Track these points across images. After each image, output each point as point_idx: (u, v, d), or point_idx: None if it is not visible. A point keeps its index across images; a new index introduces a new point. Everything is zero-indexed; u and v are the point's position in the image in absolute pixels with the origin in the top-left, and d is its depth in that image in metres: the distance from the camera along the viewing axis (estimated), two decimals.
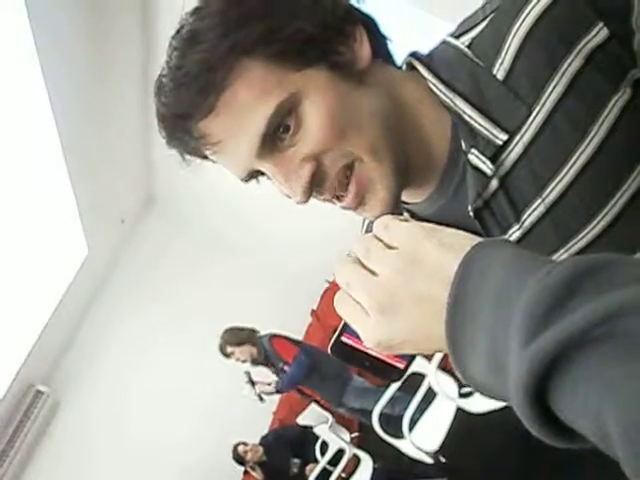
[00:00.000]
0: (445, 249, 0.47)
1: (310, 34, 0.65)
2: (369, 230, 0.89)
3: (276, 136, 0.66)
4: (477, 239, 0.47)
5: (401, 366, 0.58)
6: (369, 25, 0.71)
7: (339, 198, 0.70)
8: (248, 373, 4.44)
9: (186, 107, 0.65)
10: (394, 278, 0.49)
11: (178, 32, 0.67)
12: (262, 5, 0.65)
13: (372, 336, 0.50)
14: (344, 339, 0.58)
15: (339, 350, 0.58)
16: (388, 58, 0.73)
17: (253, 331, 4.38)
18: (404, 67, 0.74)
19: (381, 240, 0.52)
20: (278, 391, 4.38)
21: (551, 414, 0.37)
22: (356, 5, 0.71)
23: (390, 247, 0.51)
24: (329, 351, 0.59)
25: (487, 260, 0.43)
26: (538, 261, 0.41)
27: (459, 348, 0.43)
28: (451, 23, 0.74)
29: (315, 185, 0.68)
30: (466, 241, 0.46)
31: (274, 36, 0.64)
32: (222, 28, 0.64)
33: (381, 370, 0.57)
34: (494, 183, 0.66)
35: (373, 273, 0.50)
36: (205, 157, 0.72)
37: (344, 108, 0.66)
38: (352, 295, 0.51)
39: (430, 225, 0.51)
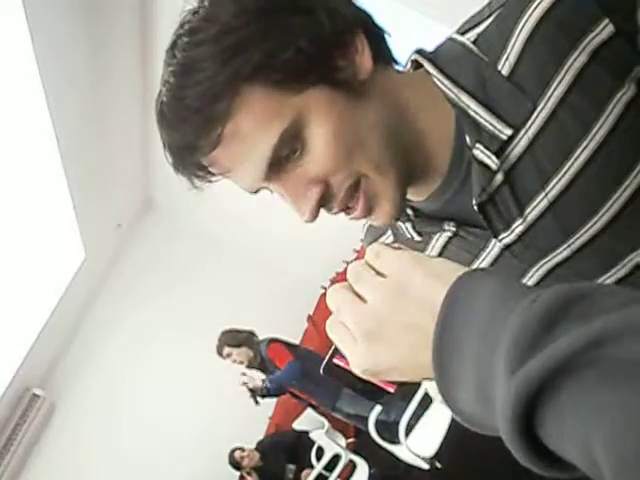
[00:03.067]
0: (432, 279, 0.47)
1: (309, 55, 0.64)
2: (368, 234, 0.90)
3: (282, 161, 0.66)
4: (464, 269, 0.47)
5: (391, 390, 0.57)
6: (367, 25, 0.70)
7: (347, 210, 0.70)
8: (244, 374, 4.44)
9: (191, 141, 0.65)
10: (382, 306, 0.49)
11: (172, 47, 0.66)
12: (258, 29, 0.63)
13: (359, 363, 0.51)
14: (336, 361, 0.58)
15: (331, 371, 0.58)
16: (389, 59, 0.73)
17: (252, 334, 4.38)
18: (409, 64, 0.74)
19: (372, 267, 0.53)
20: (267, 392, 4.34)
21: (539, 443, 0.36)
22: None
23: (380, 274, 0.51)
24: (321, 372, 0.60)
25: (473, 290, 0.44)
26: (523, 290, 0.42)
27: (446, 378, 0.44)
28: (444, 25, 0.74)
29: (323, 205, 0.69)
30: (453, 271, 0.47)
31: (273, 62, 0.63)
32: (220, 56, 0.62)
33: (371, 393, 0.57)
34: (499, 177, 0.67)
35: (363, 299, 0.51)
36: (212, 181, 0.72)
37: (347, 127, 0.66)
38: (341, 321, 0.52)
39: (419, 254, 0.52)
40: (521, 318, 0.38)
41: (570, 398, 0.34)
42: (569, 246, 0.68)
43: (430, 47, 0.74)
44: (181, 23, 0.67)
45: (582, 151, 0.63)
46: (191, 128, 0.64)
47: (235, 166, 0.67)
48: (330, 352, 0.59)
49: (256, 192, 0.71)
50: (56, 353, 6.51)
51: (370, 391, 0.57)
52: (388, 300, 0.49)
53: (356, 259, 0.57)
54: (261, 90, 0.63)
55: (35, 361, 5.92)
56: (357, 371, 0.51)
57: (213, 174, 0.69)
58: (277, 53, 0.63)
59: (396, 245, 0.55)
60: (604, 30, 0.59)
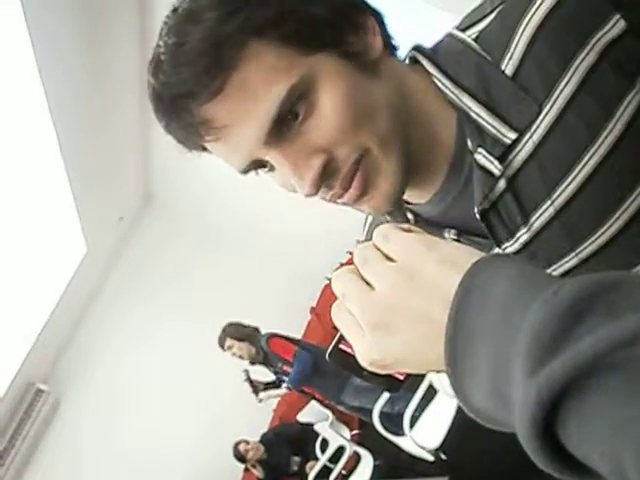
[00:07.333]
0: (445, 265, 0.43)
1: (322, 19, 0.61)
2: (370, 231, 0.87)
3: (284, 123, 0.61)
4: (479, 254, 0.43)
5: (400, 377, 0.56)
6: (379, 18, 0.68)
7: (343, 192, 0.66)
8: (247, 371, 4.44)
9: (189, 86, 0.59)
10: (390, 294, 0.45)
11: (175, 10, 0.62)
12: None
13: (365, 355, 0.47)
14: (342, 347, 0.55)
15: (337, 358, 0.56)
16: (395, 53, 0.70)
17: (256, 330, 4.37)
18: (407, 61, 0.71)
19: (380, 250, 0.49)
20: (289, 389, 4.32)
21: (560, 447, 0.33)
22: None
23: (389, 258, 0.48)
24: (327, 357, 0.58)
25: (489, 279, 0.40)
26: (543, 279, 0.38)
27: (459, 373, 0.40)
28: (451, 14, 0.72)
29: (325, 178, 0.64)
30: (468, 257, 0.43)
31: (285, 18, 0.60)
32: (228, 5, 0.59)
33: (378, 380, 0.55)
34: (501, 184, 0.64)
35: (370, 285, 0.47)
36: (203, 148, 0.66)
37: (357, 97, 0.62)
38: (347, 307, 0.48)
39: (432, 238, 0.48)
40: (542, 312, 0.34)
41: (596, 402, 0.31)
42: (576, 255, 0.65)
43: (434, 35, 0.71)
44: None
45: (591, 157, 0.58)
46: (191, 72, 0.59)
47: (235, 123, 0.61)
48: (336, 338, 0.56)
49: (246, 171, 0.66)
50: (60, 348, 6.53)
51: (377, 378, 0.54)
52: (397, 288, 0.45)
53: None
54: (271, 45, 0.60)
55: (39, 356, 5.93)
56: (363, 363, 0.48)
57: (208, 132, 0.62)
58: (289, 11, 0.60)
59: (406, 226, 0.50)
60: (615, 27, 0.55)
